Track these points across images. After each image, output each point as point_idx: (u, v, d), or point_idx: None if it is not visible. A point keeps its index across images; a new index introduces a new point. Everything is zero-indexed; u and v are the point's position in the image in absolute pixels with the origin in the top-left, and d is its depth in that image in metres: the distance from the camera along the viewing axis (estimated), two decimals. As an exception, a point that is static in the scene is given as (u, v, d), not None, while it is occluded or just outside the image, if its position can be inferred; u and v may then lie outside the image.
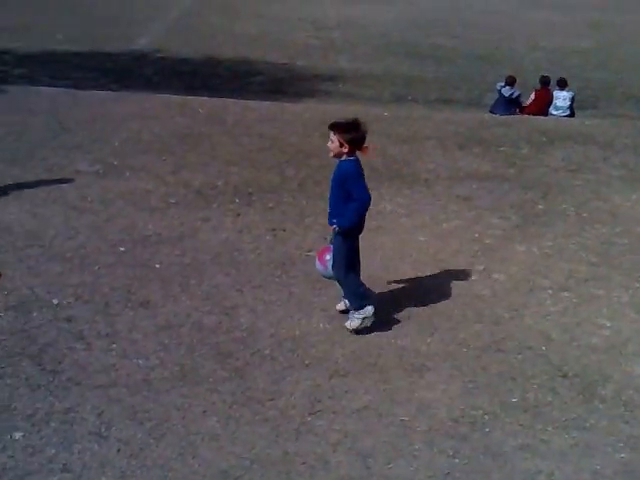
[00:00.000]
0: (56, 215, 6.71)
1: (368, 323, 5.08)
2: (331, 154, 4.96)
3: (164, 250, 6.21)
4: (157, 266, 5.93)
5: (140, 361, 4.65)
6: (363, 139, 4.91)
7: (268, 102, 11.34)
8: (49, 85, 11.60)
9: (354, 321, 5.08)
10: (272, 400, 4.34)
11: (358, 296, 5.11)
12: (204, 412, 4.20)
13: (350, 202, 4.89)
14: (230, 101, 11.24)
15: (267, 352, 4.83)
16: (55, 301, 5.27)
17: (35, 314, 5.09)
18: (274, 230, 6.75)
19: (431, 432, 4.18)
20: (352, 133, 4.85)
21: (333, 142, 4.88)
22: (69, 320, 5.05)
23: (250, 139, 9.40)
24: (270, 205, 7.34)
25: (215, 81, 12.74)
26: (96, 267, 5.82)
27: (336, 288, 5.73)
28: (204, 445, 3.94)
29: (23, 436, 3.90)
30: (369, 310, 5.06)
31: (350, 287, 5.14)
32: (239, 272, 5.91)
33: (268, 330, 5.10)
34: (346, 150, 4.86)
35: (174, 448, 3.90)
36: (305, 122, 10.29)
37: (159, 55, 14.55)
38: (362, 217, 5.00)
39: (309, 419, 4.21)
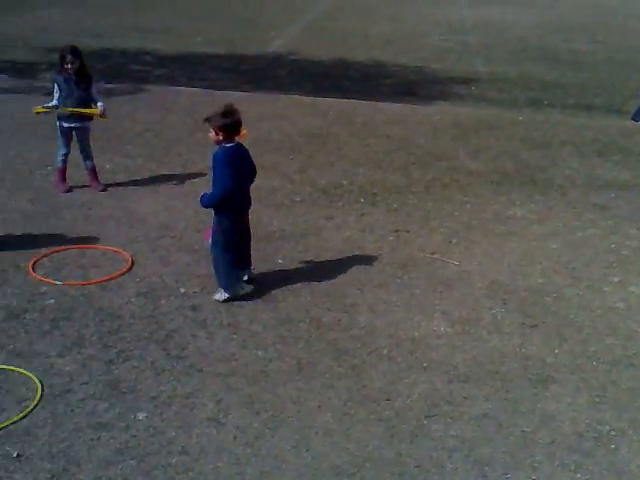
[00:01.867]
0: (187, 208, 6.95)
1: (220, 299, 5.29)
2: (213, 142, 5.22)
3: (287, 246, 6.30)
4: (280, 261, 6.01)
5: (259, 352, 4.72)
6: (236, 124, 5.14)
7: (398, 104, 11.27)
8: (187, 85, 12.06)
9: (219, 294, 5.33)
10: (388, 400, 4.27)
11: (226, 276, 5.31)
12: (319, 407, 4.20)
13: (214, 186, 5.17)
14: (360, 102, 11.26)
15: (385, 352, 4.77)
16: (182, 290, 5.45)
17: (163, 301, 5.29)
18: (397, 231, 6.68)
19: (553, 445, 3.97)
20: (224, 120, 5.08)
21: (210, 132, 5.15)
22: (194, 309, 5.21)
23: (378, 140, 9.37)
24: (395, 206, 7.27)
25: (345, 83, 12.79)
26: (222, 260, 5.97)
27: (459, 292, 5.61)
28: (318, 439, 3.93)
29: (146, 417, 4.05)
30: (223, 295, 5.30)
31: (220, 266, 5.31)
32: (360, 271, 5.88)
33: (387, 330, 5.04)
34: (221, 137, 5.11)
35: (288, 440, 3.92)
36: (435, 124, 10.15)
37: (292, 57, 14.79)
38: (220, 201, 5.17)
39: (425, 422, 4.10)
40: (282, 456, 3.81)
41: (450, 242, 6.50)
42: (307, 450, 3.85)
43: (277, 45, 16.06)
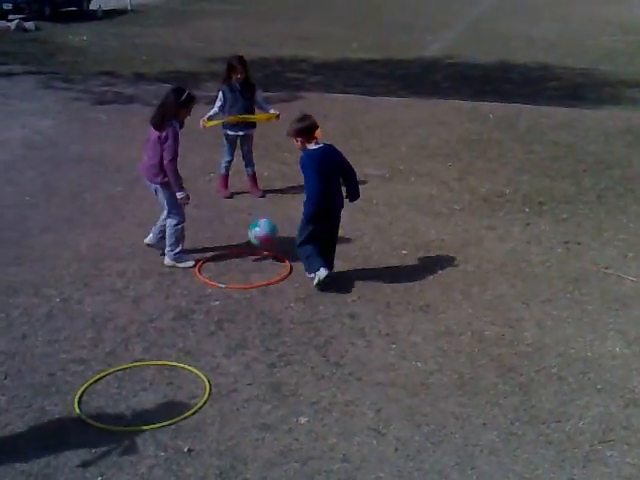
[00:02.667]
0: (343, 216, 6.93)
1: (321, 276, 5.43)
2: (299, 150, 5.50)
3: (446, 256, 6.15)
4: (439, 271, 5.88)
5: (419, 364, 4.62)
6: (308, 127, 5.36)
7: (565, 108, 10.77)
8: (342, 92, 12.18)
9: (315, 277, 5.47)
10: (558, 422, 4.03)
11: (313, 261, 5.52)
12: (484, 424, 4.03)
13: (305, 191, 5.46)
14: (523, 107, 10.87)
15: (554, 371, 4.52)
16: (338, 296, 5.46)
17: (321, 307, 5.32)
18: (567, 243, 6.34)
19: None
20: (297, 125, 5.38)
21: (293, 142, 5.48)
22: (352, 317, 5.20)
23: (543, 146, 8.98)
24: (563, 216, 6.92)
25: (507, 86, 12.40)
26: (379, 268, 5.93)
27: (637, 311, 5.23)
28: (483, 458, 3.78)
29: (307, 421, 4.07)
30: (322, 273, 5.44)
31: (305, 253, 5.56)
32: (526, 284, 5.63)
33: (556, 348, 4.77)
34: (301, 142, 5.38)
35: (451, 456, 3.79)
36: (606, 130, 9.59)
37: (450, 61, 14.58)
38: (312, 208, 5.40)
39: (599, 447, 3.84)
40: (445, 472, 3.69)
41: (626, 256, 6.09)
42: (472, 468, 3.71)
43: (434, 49, 15.89)
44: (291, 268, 5.88)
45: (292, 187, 7.74)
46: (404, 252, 6.23)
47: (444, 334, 4.96)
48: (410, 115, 10.50)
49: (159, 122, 5.62)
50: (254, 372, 4.52)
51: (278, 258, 6.08)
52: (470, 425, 4.03)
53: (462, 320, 5.13)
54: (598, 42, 16.14)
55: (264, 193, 7.58)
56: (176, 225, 5.86)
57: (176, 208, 5.83)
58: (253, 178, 7.62)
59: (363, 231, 6.64)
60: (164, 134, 5.59)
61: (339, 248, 6.26)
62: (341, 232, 6.57)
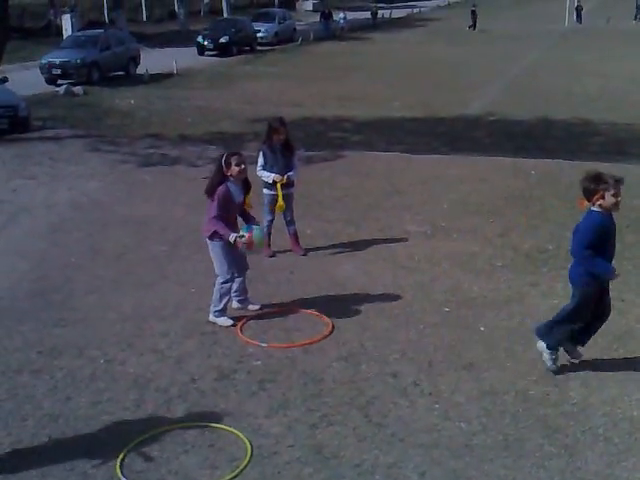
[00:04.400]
0: (385, 273, 7.01)
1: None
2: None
3: (489, 313, 6.10)
4: (482, 329, 5.83)
5: (462, 424, 4.55)
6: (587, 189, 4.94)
7: (607, 163, 10.67)
8: (384, 150, 12.32)
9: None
10: (606, 486, 3.92)
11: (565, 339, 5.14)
12: (529, 488, 3.94)
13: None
14: (565, 162, 10.84)
15: (600, 431, 4.41)
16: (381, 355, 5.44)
17: (363, 366, 5.31)
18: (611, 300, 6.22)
19: None
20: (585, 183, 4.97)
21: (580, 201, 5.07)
22: (394, 376, 5.17)
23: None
24: (606, 272, 6.80)
25: (549, 142, 12.40)
26: (421, 326, 5.91)
27: (685, 369, 5.08)
28: (529, 525, 3.68)
29: (350, 485, 4.03)
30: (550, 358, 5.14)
31: (563, 328, 5.11)
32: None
33: (602, 407, 4.67)
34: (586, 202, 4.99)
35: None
36: (648, 183, 9.48)
37: (492, 118, 14.66)
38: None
39: (649, 513, 3.71)
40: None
41: (674, 315, 5.95)
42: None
43: (475, 107, 16.01)
44: (333, 326, 5.90)
45: (334, 245, 7.80)
46: (446, 309, 6.20)
47: (488, 394, 4.89)
48: (452, 172, 10.55)
49: (208, 189, 5.91)
50: (295, 433, 4.51)
51: (320, 316, 6.10)
52: (517, 490, 3.94)
53: (506, 379, 5.06)
54: (639, 97, 16.07)
55: (306, 251, 7.65)
56: (222, 283, 5.96)
57: (223, 266, 5.94)
58: (295, 236, 7.72)
59: (405, 288, 6.64)
60: (214, 196, 5.85)
61: (380, 305, 6.28)
62: (383, 289, 6.62)
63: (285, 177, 7.30)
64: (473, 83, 19.12)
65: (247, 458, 4.25)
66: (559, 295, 6.36)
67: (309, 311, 6.21)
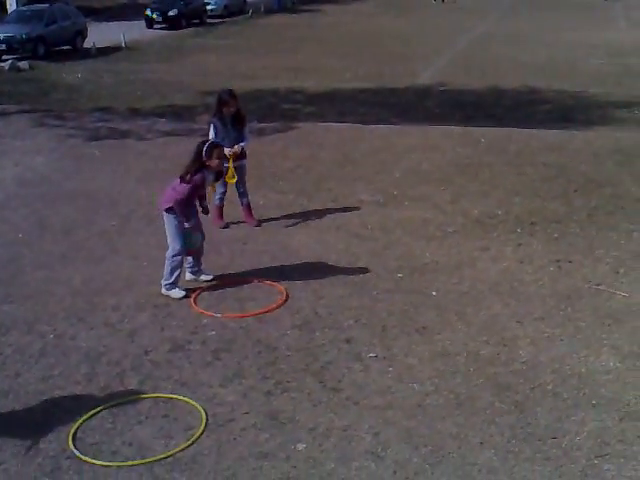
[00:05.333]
0: (339, 242, 7.02)
1: None
2: None
3: (441, 278, 6.18)
4: (434, 293, 5.90)
5: (415, 386, 4.62)
6: None
7: (555, 130, 10.87)
8: (336, 121, 12.30)
9: None
10: (555, 439, 4.03)
11: None
12: (481, 444, 4.03)
13: None
14: (513, 130, 10.97)
15: (549, 387, 4.52)
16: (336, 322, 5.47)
17: (318, 334, 5.33)
18: (559, 261, 6.37)
19: None
20: None
21: None
22: (348, 341, 5.20)
23: (534, 168, 9.06)
24: (555, 235, 6.95)
25: (498, 111, 12.53)
26: (375, 292, 5.96)
27: (629, 326, 5.24)
28: (481, 477, 3.77)
29: (305, 448, 4.06)
30: None
31: None
32: (519, 303, 5.65)
33: (550, 365, 4.78)
34: None
35: (450, 477, 3.78)
36: (596, 150, 9.68)
37: (442, 88, 14.74)
38: None
39: (596, 462, 3.83)
40: (443, 494, 3.68)
41: (617, 272, 6.11)
42: (469, 489, 3.70)
43: (426, 77, 16.07)
44: (287, 295, 5.90)
45: (288, 215, 7.78)
46: (399, 275, 6.26)
47: (440, 355, 4.97)
48: (403, 142, 10.59)
49: (184, 175, 5.87)
50: (251, 401, 4.52)
51: (274, 286, 6.10)
52: (467, 445, 4.02)
53: (458, 341, 5.14)
54: (585, 65, 16.34)
55: (260, 222, 7.62)
56: (174, 256, 5.93)
57: (175, 239, 5.91)
58: (248, 208, 7.67)
59: (358, 256, 6.68)
60: (189, 180, 5.84)
61: (334, 273, 6.30)
62: (336, 257, 6.64)
63: (237, 147, 7.24)
64: (424, 54, 19.17)
65: (202, 426, 4.25)
66: (508, 259, 6.49)
67: (263, 281, 6.21)
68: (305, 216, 7.78)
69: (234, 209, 7.70)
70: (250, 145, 7.55)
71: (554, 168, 8.99)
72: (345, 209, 7.92)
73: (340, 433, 4.18)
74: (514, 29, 23.07)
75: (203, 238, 6.17)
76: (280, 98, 14.56)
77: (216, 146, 5.96)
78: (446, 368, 4.80)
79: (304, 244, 7.02)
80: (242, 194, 7.64)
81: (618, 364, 4.74)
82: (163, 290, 5.98)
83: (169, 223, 5.93)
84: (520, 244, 6.79)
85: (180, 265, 5.99)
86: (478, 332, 5.24)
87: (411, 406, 4.40)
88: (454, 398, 4.46)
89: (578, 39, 20.39)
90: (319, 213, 7.85)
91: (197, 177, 5.84)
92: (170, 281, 5.95)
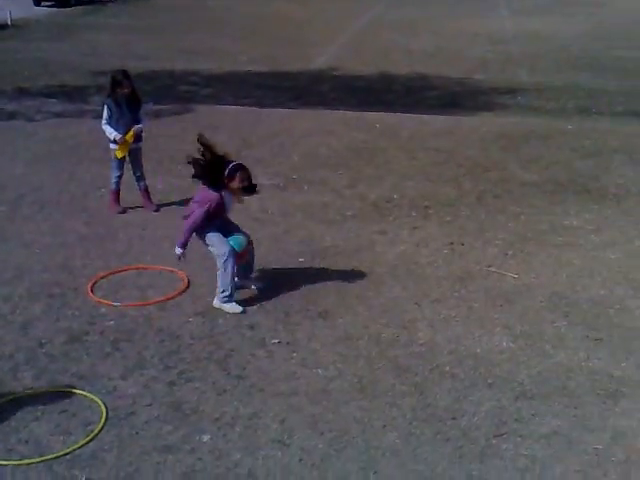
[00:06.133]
0: (240, 225, 6.95)
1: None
2: None
3: (341, 262, 6.26)
4: (335, 277, 5.97)
5: (319, 371, 4.68)
6: None
7: (444, 116, 11.19)
8: (233, 104, 12.16)
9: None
10: (454, 419, 4.18)
11: None
12: (384, 426, 4.13)
13: None
14: (405, 116, 11.21)
15: (447, 369, 4.69)
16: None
17: (221, 320, 5.29)
18: (452, 244, 6.60)
19: (628, 463, 3.85)
20: None
21: None
22: (252, 327, 5.20)
23: (426, 153, 9.31)
24: (447, 219, 7.19)
25: (390, 96, 12.75)
26: (277, 277, 5.96)
27: (519, 306, 5.50)
28: (385, 460, 3.87)
29: (210, 439, 4.03)
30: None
31: None
32: (417, 285, 5.82)
33: (447, 346, 4.95)
34: None
35: (355, 461, 3.86)
36: (483, 135, 10.05)
37: (335, 73, 14.83)
38: None
39: (494, 441, 4.01)
40: (349, 479, 3.75)
41: (506, 254, 6.40)
42: (375, 472, 3.78)
43: (320, 62, 16.12)
44: (188, 282, 5.82)
45: (188, 200, 7.61)
46: (301, 260, 6.29)
47: (343, 339, 5.05)
48: (300, 125, 10.61)
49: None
50: (153, 392, 4.43)
51: (174, 272, 5.99)
52: (371, 428, 4.12)
53: (359, 324, 5.24)
54: (471, 53, 16.88)
55: (158, 207, 7.45)
56: (224, 262, 5.36)
57: (217, 245, 5.42)
58: (146, 192, 7.49)
59: (259, 240, 6.62)
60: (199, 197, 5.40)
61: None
62: (235, 244, 6.58)
63: (136, 127, 7.07)
64: (316, 38, 19.21)
65: (102, 421, 4.14)
66: (405, 242, 6.65)
67: (163, 267, 6.08)
68: (204, 200, 7.66)
69: (132, 194, 7.49)
70: (146, 128, 7.35)
71: (444, 153, 9.28)
72: (244, 193, 7.86)
73: (245, 422, 4.17)
74: (402, 16, 23.49)
75: (249, 240, 5.59)
76: (176, 80, 14.22)
77: (243, 169, 5.39)
78: (349, 352, 4.89)
79: (203, 230, 6.92)
80: (139, 178, 7.46)
81: (511, 344, 4.98)
82: (216, 302, 5.46)
83: (202, 237, 5.45)
84: (415, 227, 6.98)
85: (234, 270, 5.41)
86: (378, 315, 5.36)
87: (316, 391, 4.45)
88: (357, 382, 4.55)
89: (463, 27, 21.01)
90: (217, 197, 7.74)
91: (213, 198, 5.31)
92: (228, 293, 5.39)
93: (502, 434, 4.06)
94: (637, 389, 4.47)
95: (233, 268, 5.37)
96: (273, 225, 7.05)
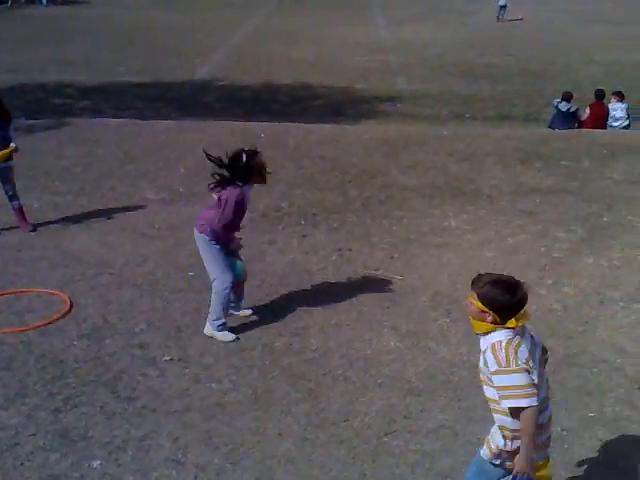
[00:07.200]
0: (125, 243, 6.82)
1: None
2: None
3: (232, 273, 6.23)
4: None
5: (213, 385, 4.64)
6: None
7: (328, 125, 11.37)
8: (113, 116, 11.89)
9: None
10: (347, 421, 4.27)
11: None
12: (279, 435, 4.15)
13: None
14: (291, 125, 11.32)
15: (339, 372, 4.77)
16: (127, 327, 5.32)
17: (108, 341, 5.15)
18: (340, 250, 6.72)
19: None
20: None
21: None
22: (142, 346, 5.09)
23: (312, 161, 9.44)
24: (335, 225, 7.32)
25: (275, 106, 12.86)
26: (166, 292, 5.88)
27: (405, 306, 5.67)
28: (281, 469, 3.89)
29: (100, 464, 3.92)
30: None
31: None
32: (308, 293, 5.89)
33: (339, 350, 5.04)
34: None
35: (251, 472, 3.86)
36: (366, 143, 10.29)
37: (220, 83, 14.80)
38: None
39: (385, 440, 4.12)
40: (246, 490, 3.75)
41: (392, 257, 6.58)
42: (271, 481, 3.80)
43: (203, 72, 16.04)
44: (71, 303, 5.62)
45: (67, 217, 7.40)
46: (191, 274, 6.22)
47: (236, 351, 5.03)
48: (185, 137, 10.50)
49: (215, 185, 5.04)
50: (37, 421, 4.26)
51: (55, 294, 5.77)
52: (266, 438, 4.13)
53: (252, 335, 5.24)
54: (352, 62, 17.29)
55: (35, 227, 7.16)
56: (224, 289, 5.09)
57: (220, 268, 5.08)
58: (20, 211, 7.18)
59: (147, 257, 6.54)
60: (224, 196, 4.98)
61: (122, 276, 6.10)
62: (124, 259, 6.44)
63: (13, 145, 6.79)
64: (198, 48, 19.09)
65: (-16, 455, 3.94)
66: (295, 250, 6.72)
67: (43, 289, 5.85)
68: (86, 217, 7.45)
69: (5, 214, 7.17)
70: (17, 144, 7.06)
71: (330, 161, 9.44)
72: (129, 208, 7.70)
73: (137, 444, 4.08)
74: (283, 26, 23.76)
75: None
76: (49, 92, 13.75)
77: (256, 153, 5.16)
78: (242, 364, 4.88)
79: (86, 247, 6.72)
80: (12, 197, 7.14)
81: (398, 344, 5.12)
82: (208, 329, 5.20)
83: (207, 249, 5.11)
84: (305, 235, 7.06)
85: (229, 299, 5.17)
86: (271, 324, 5.38)
87: (210, 406, 4.42)
88: (252, 393, 4.55)
89: (343, 36, 21.48)
90: (101, 213, 7.55)
91: (239, 192, 4.97)
92: (222, 321, 5.15)
93: (392, 432, 4.18)
94: (517, 379, 4.71)
95: (230, 297, 5.16)
96: (161, 240, 6.94)
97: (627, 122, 12.66)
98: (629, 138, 10.71)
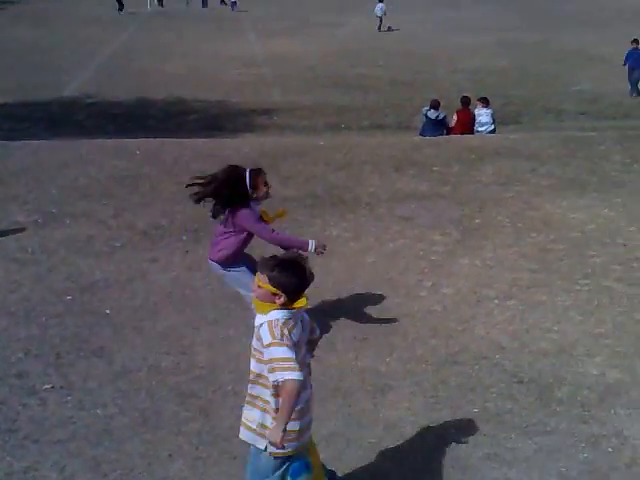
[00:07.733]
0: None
1: None
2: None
3: (113, 295, 6.10)
4: (107, 312, 5.81)
5: (98, 411, 4.53)
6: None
7: (205, 139, 11.33)
8: (-24, 138, 11.32)
9: None
10: (239, 437, 4.27)
11: None
12: (170, 456, 4.11)
13: None
14: (166, 140, 11.18)
15: (229, 388, 4.77)
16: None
17: (-17, 373, 4.92)
18: (222, 265, 6.70)
19: (400, 451, 4.19)
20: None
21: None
22: (20, 376, 4.89)
23: (190, 176, 9.31)
24: (216, 240, 7.29)
25: (150, 122, 12.67)
26: (43, 318, 5.67)
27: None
28: (173, 490, 3.85)
29: (-18, 501, 3.75)
30: None
31: None
32: (193, 310, 5.85)
33: (228, 365, 5.04)
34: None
35: (141, 496, 3.80)
36: (245, 155, 10.30)
37: (90, 100, 14.41)
38: None
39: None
40: (136, 515, 3.68)
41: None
42: (163, 503, 3.76)
43: (72, 89, 15.55)
44: (-60, 337, 5.32)
45: None
46: (69, 297, 6.03)
47: (121, 374, 4.93)
48: (56, 157, 10.14)
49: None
50: None
51: None
52: (157, 460, 4.07)
53: (137, 356, 5.15)
54: (225, 76, 17.30)
55: None
56: None
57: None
58: None
59: (20, 282, 6.28)
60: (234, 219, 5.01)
61: (-6, 306, 5.84)
62: (-6, 289, 6.15)
63: None
64: (65, 65, 18.51)
65: None
66: (178, 267, 6.66)
67: None
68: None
69: None
70: None
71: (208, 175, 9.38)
72: (9, 232, 7.37)
73: (21, 476, 3.93)
74: (154, 41, 23.42)
75: None
76: None
77: (259, 172, 5.20)
78: (129, 386, 4.78)
79: (-46, 277, 6.37)
80: None
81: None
82: None
83: (234, 278, 5.11)
84: (187, 251, 7.01)
85: None
86: (157, 344, 5.30)
87: (96, 433, 4.30)
88: (139, 416, 4.47)
89: (215, 50, 21.45)
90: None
91: (250, 212, 5.03)
92: None
93: (286, 442, 4.21)
94: (402, 381, 4.88)
95: None
96: (35, 264, 6.68)
97: (492, 127, 13.42)
98: (495, 142, 11.31)
